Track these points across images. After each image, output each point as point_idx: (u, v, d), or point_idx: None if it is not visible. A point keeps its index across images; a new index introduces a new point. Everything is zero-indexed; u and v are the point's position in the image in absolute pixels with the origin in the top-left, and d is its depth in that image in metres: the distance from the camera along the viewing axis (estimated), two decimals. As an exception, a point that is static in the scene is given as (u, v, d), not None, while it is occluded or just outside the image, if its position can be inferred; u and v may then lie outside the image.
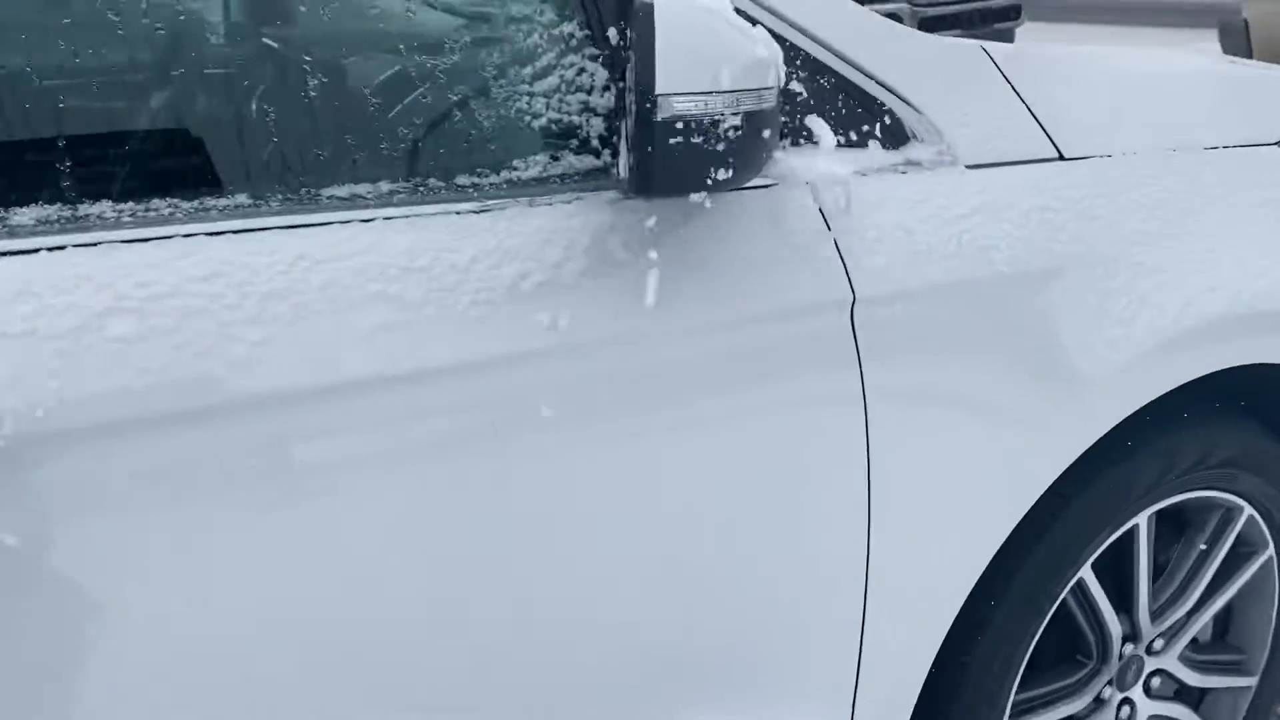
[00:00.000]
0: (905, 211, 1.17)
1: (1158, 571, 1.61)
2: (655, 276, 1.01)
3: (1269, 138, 1.54)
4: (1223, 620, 1.75)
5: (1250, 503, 1.59)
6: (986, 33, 9.74)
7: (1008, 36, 10.16)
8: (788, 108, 1.12)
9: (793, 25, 1.14)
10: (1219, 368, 1.41)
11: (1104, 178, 1.33)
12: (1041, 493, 1.29)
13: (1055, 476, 1.29)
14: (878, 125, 1.19)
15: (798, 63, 1.14)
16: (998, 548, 1.28)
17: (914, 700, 1.30)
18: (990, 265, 1.20)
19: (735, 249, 1.07)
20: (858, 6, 1.22)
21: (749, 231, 1.08)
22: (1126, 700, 1.58)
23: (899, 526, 1.20)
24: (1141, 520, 1.47)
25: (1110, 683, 1.54)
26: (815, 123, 1.15)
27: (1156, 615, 1.58)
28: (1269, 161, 1.51)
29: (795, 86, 1.14)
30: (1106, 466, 1.40)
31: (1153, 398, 1.35)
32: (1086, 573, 1.44)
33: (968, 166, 1.23)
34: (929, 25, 9.44)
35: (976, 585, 1.33)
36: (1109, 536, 1.44)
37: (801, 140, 1.14)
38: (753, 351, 1.07)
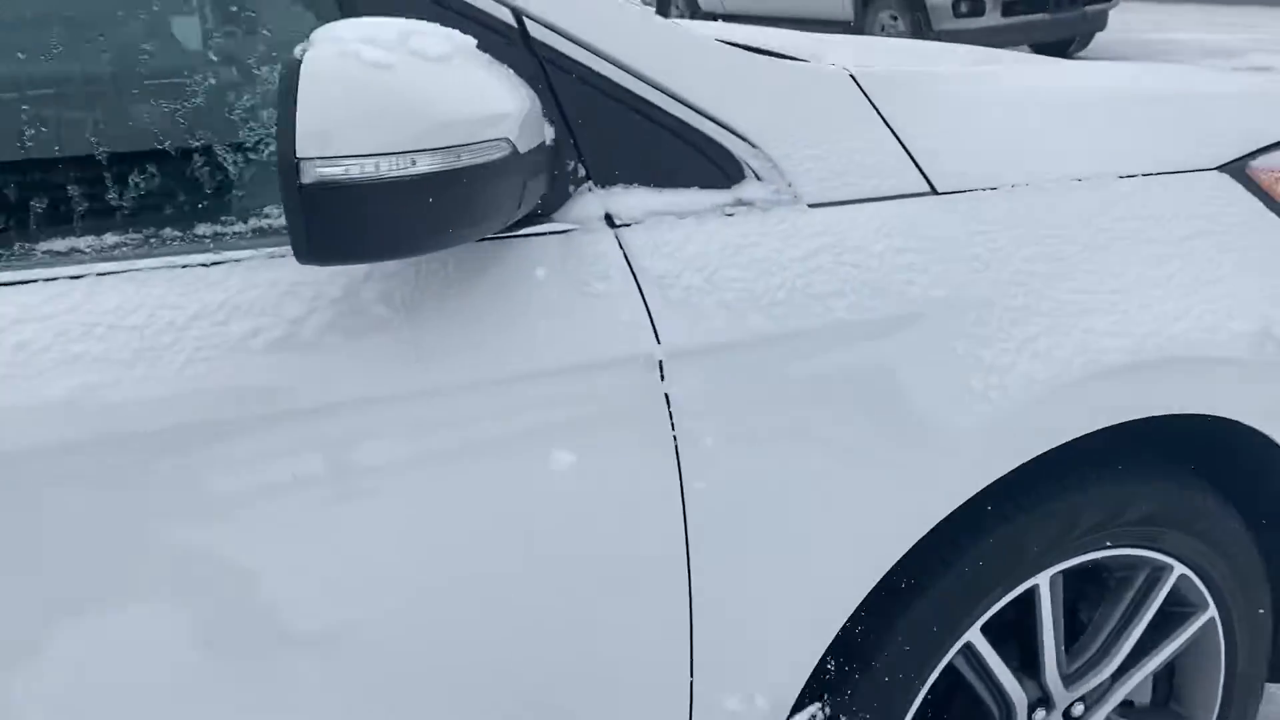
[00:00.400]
0: (726, 256, 1.08)
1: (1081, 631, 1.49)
2: (413, 331, 0.94)
3: (1207, 162, 1.39)
4: (1168, 683, 1.62)
5: (1182, 561, 1.45)
6: (1075, 16, 9.37)
7: (1100, 20, 9.77)
8: (587, 147, 1.04)
9: (603, 56, 1.05)
10: (1124, 419, 1.28)
11: (983, 214, 1.21)
12: (902, 554, 1.19)
13: (917, 537, 1.19)
14: (704, 162, 1.10)
15: (612, 97, 1.06)
16: (850, 611, 1.18)
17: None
18: (828, 313, 1.11)
19: (517, 299, 0.99)
20: (690, 36, 1.13)
21: (535, 280, 1.00)
22: (1046, 767, 1.46)
23: (723, 592, 1.11)
24: (1042, 580, 1.35)
25: (1020, 751, 1.43)
26: (631, 160, 1.07)
27: (1073, 678, 1.46)
28: (1202, 189, 1.37)
29: (606, 123, 1.06)
30: (997, 525, 1.30)
31: (1038, 452, 1.23)
32: (975, 636, 1.33)
33: (811, 205, 1.13)
34: (1013, 8, 9.13)
35: (839, 650, 1.24)
36: (1000, 598, 1.33)
37: (618, 180, 1.06)
38: (537, 409, 1.00)
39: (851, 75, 1.21)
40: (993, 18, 9.13)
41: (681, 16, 12.95)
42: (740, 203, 1.11)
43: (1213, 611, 1.51)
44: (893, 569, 1.23)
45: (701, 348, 1.05)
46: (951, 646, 1.32)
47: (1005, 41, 9.55)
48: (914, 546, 1.24)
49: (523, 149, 0.86)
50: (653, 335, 1.03)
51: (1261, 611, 1.55)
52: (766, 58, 1.18)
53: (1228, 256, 1.36)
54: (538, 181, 0.92)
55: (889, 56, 1.79)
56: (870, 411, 1.13)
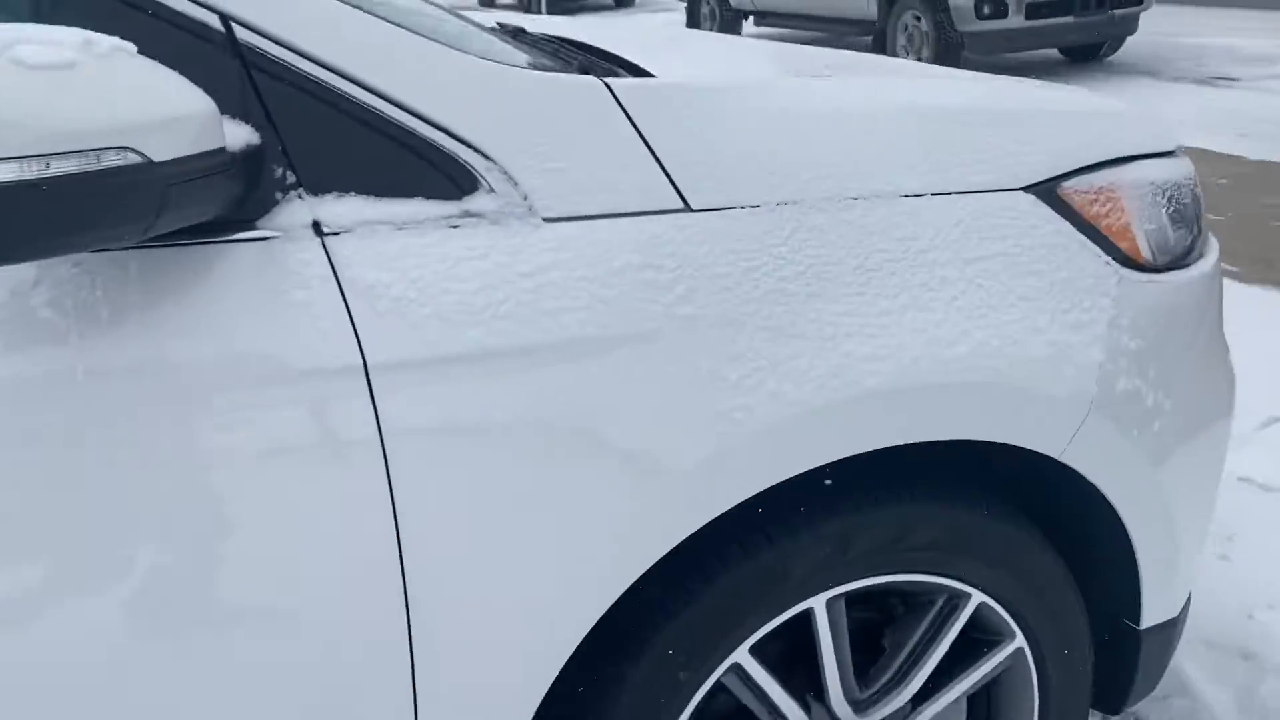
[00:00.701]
0: (446, 269, 1.07)
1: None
2: (83, 340, 0.95)
3: (1012, 182, 1.36)
4: (987, 712, 1.60)
5: (983, 589, 1.43)
6: (1102, 19, 9.19)
7: (1130, 24, 9.58)
8: (297, 154, 1.03)
9: (317, 62, 1.04)
10: (888, 444, 1.26)
11: (741, 231, 1.19)
12: (638, 575, 1.18)
13: (654, 559, 1.18)
14: (433, 172, 1.09)
15: (327, 103, 1.05)
16: (582, 635, 1.17)
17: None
18: (558, 329, 1.10)
19: (204, 307, 0.99)
20: (421, 44, 1.12)
21: (226, 288, 1.00)
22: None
23: (443, 617, 1.10)
24: (817, 604, 1.33)
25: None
26: (350, 169, 1.06)
27: (867, 704, 1.44)
28: (1001, 210, 1.34)
29: (322, 130, 1.05)
30: (760, 547, 1.28)
31: (792, 474, 1.21)
32: (743, 657, 1.31)
33: (549, 219, 1.12)
34: (1037, 11, 8.99)
35: (590, 671, 1.24)
36: (768, 620, 1.31)
37: (334, 188, 1.06)
38: (231, 422, 1.00)
39: (608, 86, 1.20)
40: (1015, 20, 8.99)
41: (713, 14, 12.90)
42: (469, 215, 1.10)
43: (1020, 641, 1.48)
44: (651, 583, 1.22)
45: (413, 361, 1.05)
46: (716, 667, 1.30)
47: (1029, 45, 9.43)
48: (674, 563, 1.23)
49: (161, 157, 0.86)
50: (356, 346, 1.03)
51: (1076, 643, 1.52)
52: (510, 67, 1.16)
53: (1025, 280, 1.33)
54: (201, 188, 0.92)
55: (716, 63, 1.77)
56: (601, 429, 1.12)
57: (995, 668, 1.49)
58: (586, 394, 1.11)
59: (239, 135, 1.00)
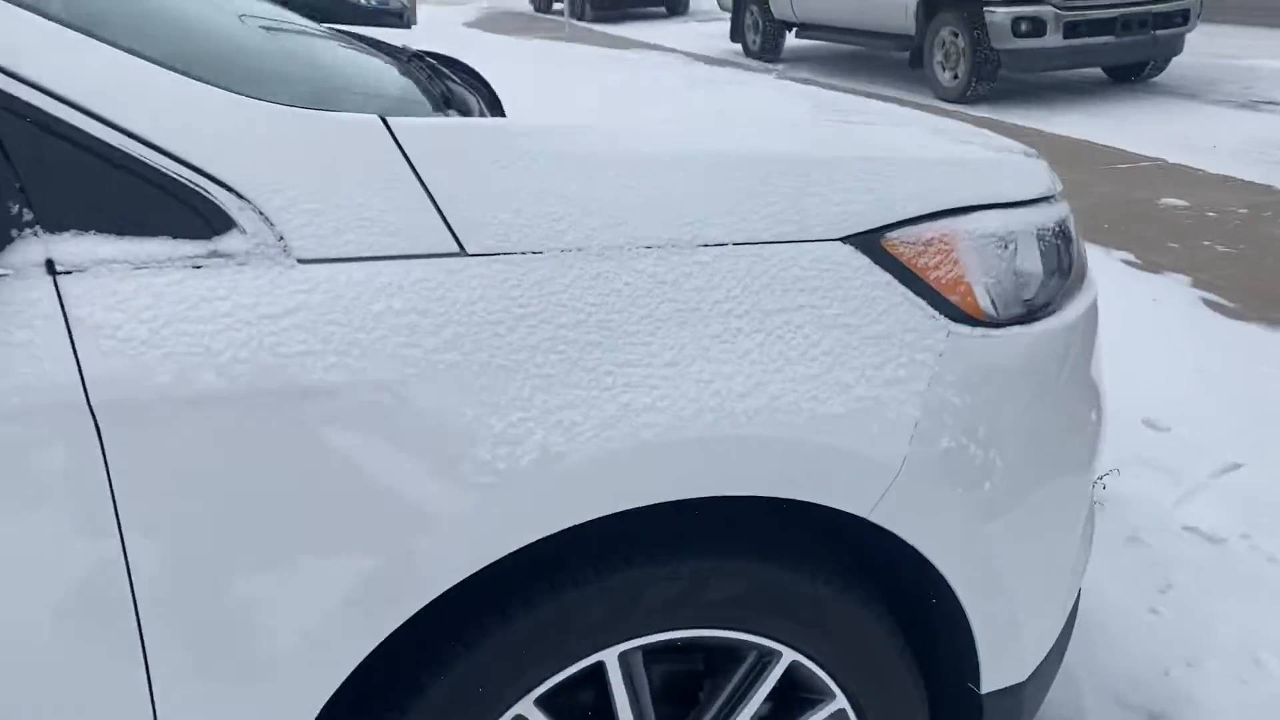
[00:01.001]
0: (184, 310, 1.06)
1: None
2: None
3: (829, 232, 1.32)
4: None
5: (795, 648, 1.38)
6: (1144, 40, 8.97)
7: (1175, 44, 9.35)
8: (35, 191, 1.03)
9: (59, 99, 1.04)
10: (675, 498, 1.23)
11: (518, 278, 1.17)
12: (392, 629, 1.15)
13: (411, 612, 1.15)
14: (182, 210, 1.08)
15: (69, 140, 1.04)
16: (331, 690, 1.15)
17: None
18: (303, 373, 1.08)
19: None
20: (174, 83, 1.11)
21: None
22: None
23: (182, 677, 1.09)
24: (608, 658, 1.30)
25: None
26: (92, 206, 1.06)
27: (677, 758, 1.40)
28: (811, 262, 1.30)
29: (65, 167, 1.05)
30: (539, 598, 1.25)
31: (560, 528, 1.19)
32: (527, 709, 1.29)
33: (304, 260, 1.11)
34: (1075, 30, 8.81)
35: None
36: (554, 672, 1.28)
37: (73, 225, 1.05)
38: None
39: (387, 125, 1.18)
40: (1054, 39, 8.83)
41: (755, 25, 12.84)
42: (216, 255, 1.08)
43: (841, 702, 1.44)
44: (430, 632, 1.21)
45: (141, 402, 1.04)
46: (498, 718, 1.28)
47: (1067, 64, 9.25)
48: (454, 611, 1.21)
49: None
50: (81, 388, 1.02)
51: (904, 705, 1.47)
52: (273, 105, 1.15)
53: (833, 334, 1.29)
54: None
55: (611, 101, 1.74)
56: (345, 475, 1.10)
57: (819, 729, 1.44)
58: (329, 439, 1.09)
59: (-36, 172, 1.00)
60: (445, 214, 1.16)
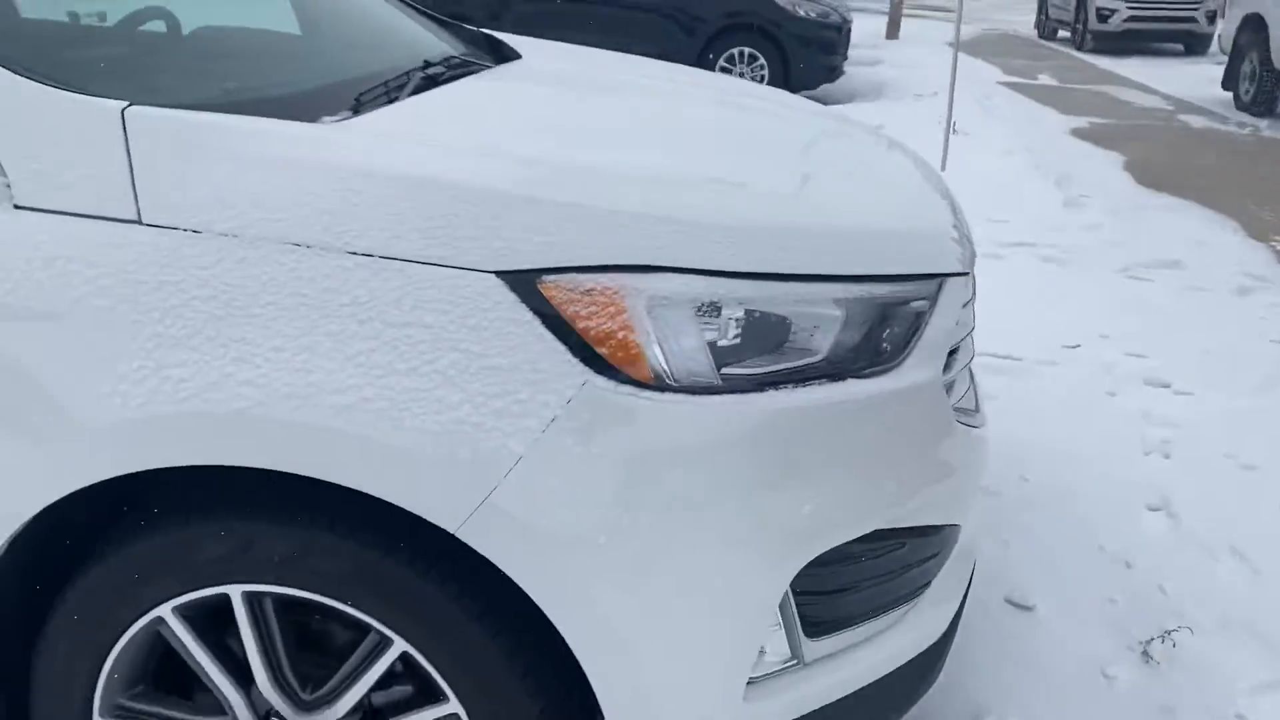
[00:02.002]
0: None
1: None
2: None
3: (482, 264, 1.38)
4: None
5: (407, 639, 1.48)
6: None
7: None
8: None
9: None
10: (267, 466, 1.39)
11: (174, 249, 1.39)
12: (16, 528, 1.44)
13: (33, 512, 1.43)
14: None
15: None
16: None
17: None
18: None
19: None
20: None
21: None
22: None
23: None
24: (234, 593, 1.49)
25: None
26: None
27: (313, 706, 1.56)
28: (452, 287, 1.37)
29: None
30: (170, 523, 1.48)
31: (162, 465, 1.40)
32: (166, 613, 1.52)
33: (19, 206, 1.42)
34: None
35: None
36: (185, 590, 1.50)
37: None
38: None
39: (122, 111, 1.44)
40: None
41: (1252, 73, 11.37)
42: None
43: (454, 707, 1.50)
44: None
45: None
46: (137, 618, 1.52)
47: None
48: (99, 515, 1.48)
49: None
50: None
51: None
52: (30, 82, 1.45)
53: (449, 356, 1.36)
54: None
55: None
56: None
57: (428, 722, 1.52)
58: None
59: None
60: (136, 187, 1.41)
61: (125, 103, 1.46)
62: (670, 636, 1.44)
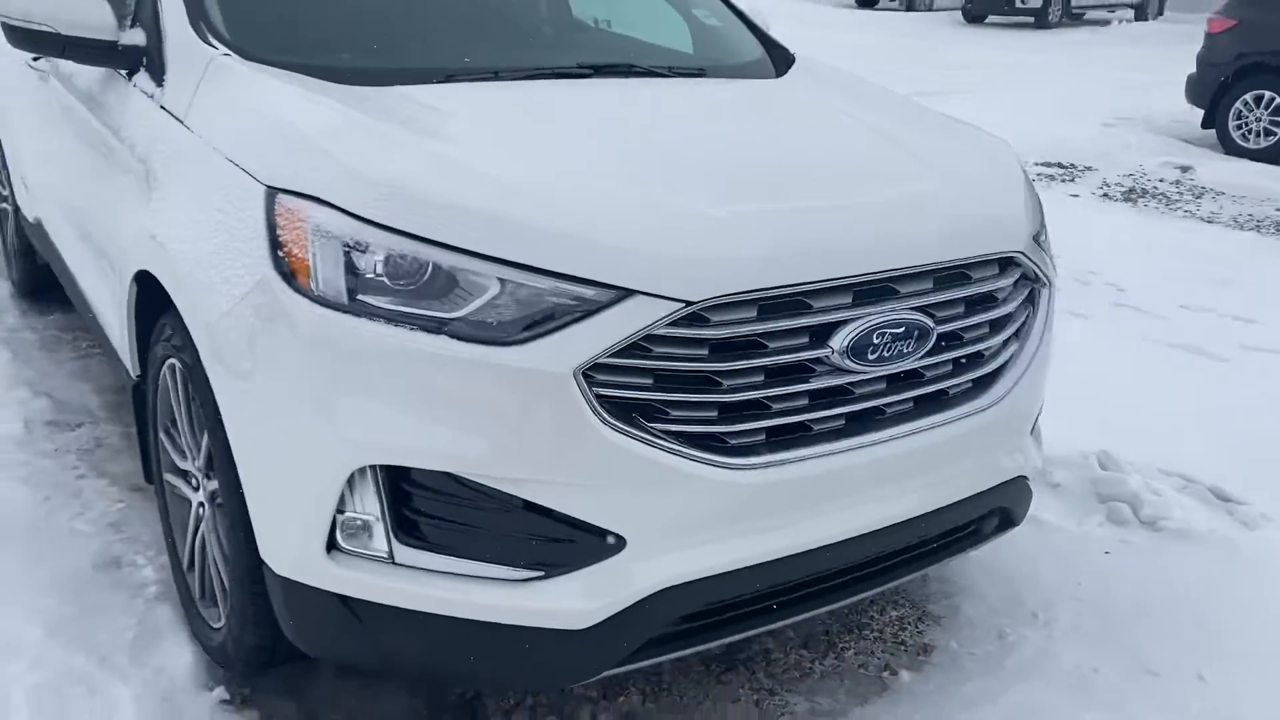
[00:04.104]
0: None
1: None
2: None
3: (266, 179, 1.97)
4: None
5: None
6: None
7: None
8: None
9: None
10: None
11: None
12: None
13: None
14: None
15: None
16: None
17: None
18: None
19: None
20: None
21: None
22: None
23: None
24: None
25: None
26: None
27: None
28: (234, 185, 2.00)
29: None
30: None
31: None
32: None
33: (162, 108, 2.39)
34: None
35: None
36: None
37: None
38: None
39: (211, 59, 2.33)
40: None
41: None
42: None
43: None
44: None
45: None
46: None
47: None
48: None
49: None
50: None
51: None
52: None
53: (225, 240, 2.00)
54: None
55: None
56: None
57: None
58: None
59: None
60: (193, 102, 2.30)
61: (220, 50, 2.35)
62: (277, 478, 1.91)
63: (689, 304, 1.80)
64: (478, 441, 1.79)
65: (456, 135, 2.13)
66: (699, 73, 2.91)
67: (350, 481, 1.83)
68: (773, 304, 1.89)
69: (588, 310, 1.77)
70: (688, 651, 2.05)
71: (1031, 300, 2.36)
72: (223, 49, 2.38)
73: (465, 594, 1.86)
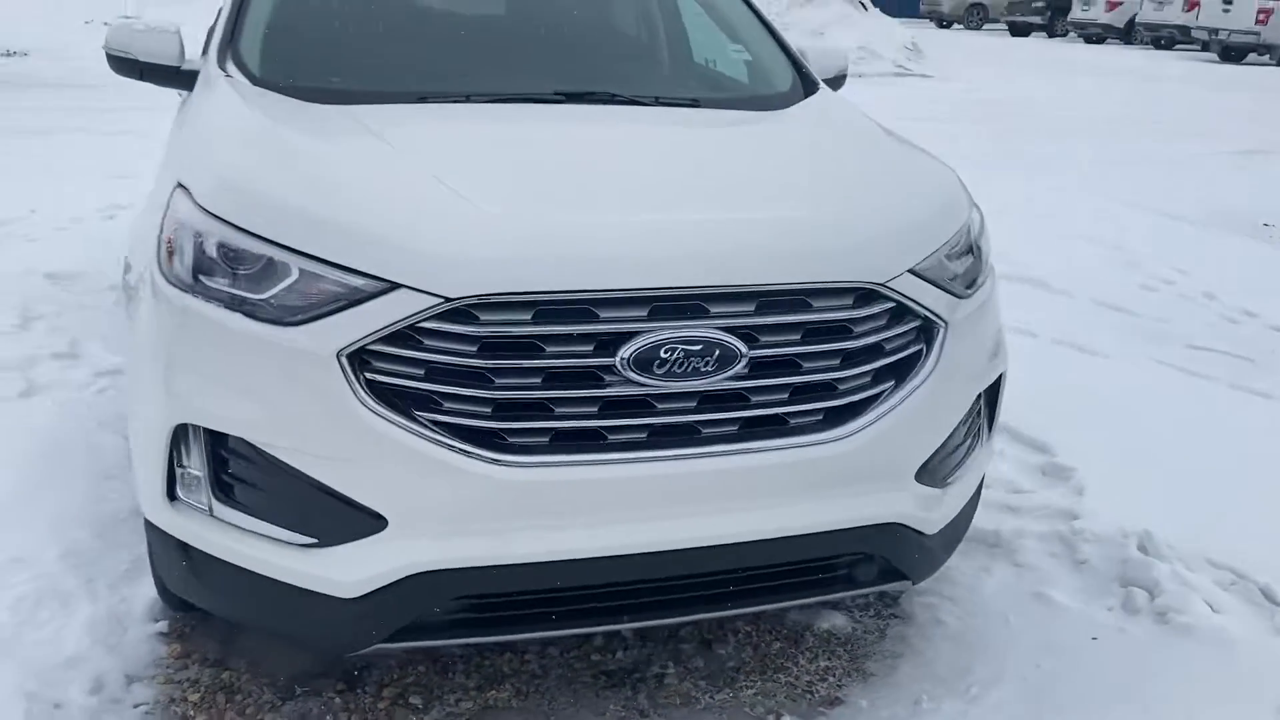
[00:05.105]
0: None
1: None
2: None
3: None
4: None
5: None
6: None
7: None
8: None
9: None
10: None
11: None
12: None
13: None
14: None
15: None
16: None
17: None
18: None
19: None
20: None
21: None
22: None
23: None
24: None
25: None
26: None
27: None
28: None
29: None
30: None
31: None
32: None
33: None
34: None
35: None
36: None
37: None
38: None
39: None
40: None
41: None
42: None
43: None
44: None
45: None
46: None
47: None
48: None
49: None
50: None
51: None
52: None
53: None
54: None
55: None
56: None
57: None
58: None
59: None
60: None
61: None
62: (140, 431, 2.21)
63: (448, 300, 1.91)
64: (262, 412, 2.00)
65: (337, 145, 2.40)
66: (692, 103, 2.97)
67: (184, 440, 2.10)
68: (551, 309, 1.96)
69: (356, 299, 1.94)
70: (473, 640, 2.14)
71: (927, 339, 2.23)
72: (230, 72, 2.77)
73: (263, 552, 2.06)
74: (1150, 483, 3.42)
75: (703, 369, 2.01)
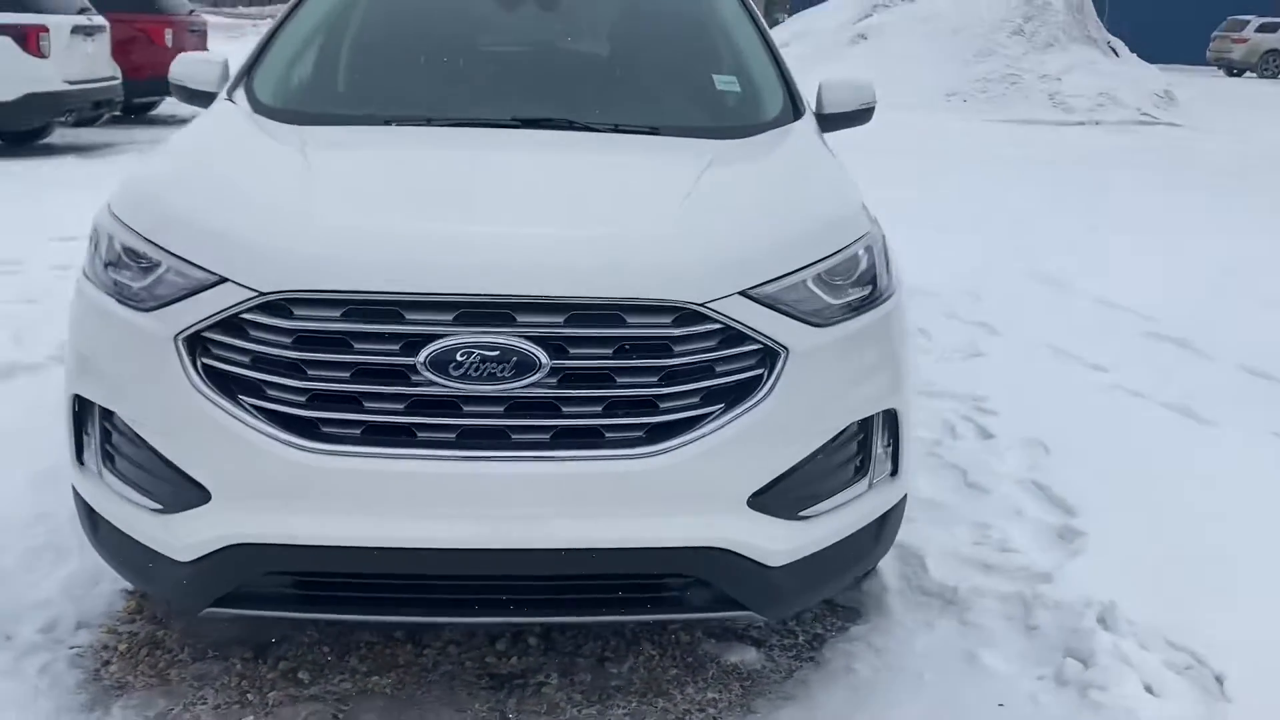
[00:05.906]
0: None
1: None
2: None
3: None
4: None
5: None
6: None
7: None
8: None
9: None
10: None
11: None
12: None
13: None
14: None
15: None
16: None
17: None
18: None
19: None
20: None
21: None
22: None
23: None
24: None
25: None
26: None
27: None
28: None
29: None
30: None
31: None
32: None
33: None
34: None
35: None
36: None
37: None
38: None
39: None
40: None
41: None
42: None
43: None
44: None
45: None
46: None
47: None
48: None
49: None
50: None
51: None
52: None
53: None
54: None
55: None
56: None
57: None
58: None
59: None
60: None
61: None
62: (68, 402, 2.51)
63: (261, 294, 2.09)
64: (120, 386, 2.26)
65: (254, 160, 2.68)
66: (651, 131, 3.02)
67: (84, 410, 2.38)
68: (359, 308, 2.09)
69: (194, 290, 2.16)
70: (297, 616, 2.29)
71: (771, 365, 2.20)
72: (236, 100, 3.10)
73: (130, 515, 2.31)
74: (1155, 556, 3.11)
75: (500, 375, 2.08)
